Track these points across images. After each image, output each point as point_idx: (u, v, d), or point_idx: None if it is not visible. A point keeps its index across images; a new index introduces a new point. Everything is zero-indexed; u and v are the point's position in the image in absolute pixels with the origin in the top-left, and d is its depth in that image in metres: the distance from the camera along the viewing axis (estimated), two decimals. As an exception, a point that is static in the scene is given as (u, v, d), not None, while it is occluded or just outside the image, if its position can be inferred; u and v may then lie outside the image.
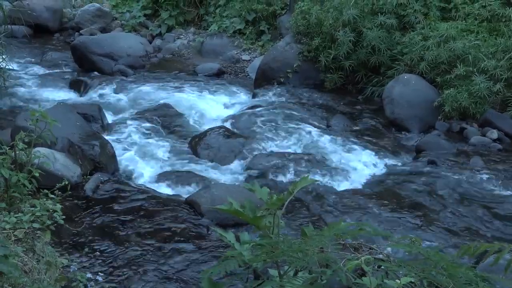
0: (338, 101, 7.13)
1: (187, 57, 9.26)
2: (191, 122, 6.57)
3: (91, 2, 10.89)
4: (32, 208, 3.12)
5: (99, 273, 3.57)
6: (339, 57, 7.20)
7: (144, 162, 5.45)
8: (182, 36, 9.93)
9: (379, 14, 7.11)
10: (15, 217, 3.04)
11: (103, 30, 10.32)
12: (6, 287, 2.52)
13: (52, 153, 4.51)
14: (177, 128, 6.33)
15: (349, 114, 6.75)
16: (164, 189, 4.93)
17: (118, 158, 5.35)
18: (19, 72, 8.01)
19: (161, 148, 5.77)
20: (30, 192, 3.44)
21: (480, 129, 6.19)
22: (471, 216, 4.60)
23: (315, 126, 6.36)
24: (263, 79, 7.64)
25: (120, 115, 6.65)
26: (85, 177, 4.84)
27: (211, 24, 9.77)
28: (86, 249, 3.82)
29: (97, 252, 3.82)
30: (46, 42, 9.95)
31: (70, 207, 4.29)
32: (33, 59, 8.88)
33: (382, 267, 2.14)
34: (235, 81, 8.17)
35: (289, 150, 5.79)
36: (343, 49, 7.11)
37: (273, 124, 6.37)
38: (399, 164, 5.61)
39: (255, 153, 5.62)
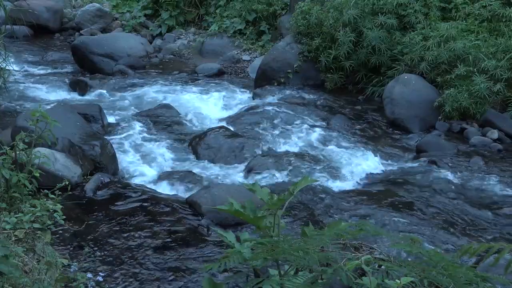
0: (339, 101, 7.13)
1: (187, 57, 9.26)
2: (191, 122, 6.57)
3: (91, 2, 10.90)
4: (33, 208, 3.12)
5: (99, 273, 3.56)
6: (340, 57, 7.20)
7: (145, 162, 5.46)
8: (182, 36, 9.93)
9: (379, 14, 7.11)
10: (16, 217, 3.04)
11: (104, 30, 10.32)
12: (6, 287, 2.52)
13: (53, 153, 4.51)
14: (177, 128, 6.34)
15: (349, 114, 6.75)
16: (164, 189, 4.93)
17: (118, 158, 5.35)
18: (19, 72, 8.02)
19: (162, 148, 5.78)
20: (30, 192, 3.44)
21: (480, 129, 6.19)
22: (472, 216, 4.60)
23: (315, 126, 6.37)
24: (264, 79, 7.64)
25: (121, 115, 6.65)
26: (85, 177, 4.84)
27: (212, 24, 9.78)
28: (86, 249, 3.82)
29: (97, 252, 3.82)
30: (47, 42, 9.96)
31: (71, 207, 4.29)
32: (33, 59, 8.89)
33: (383, 267, 2.14)
34: (235, 81, 8.17)
35: (289, 150, 5.79)
36: (344, 49, 7.11)
37: (274, 124, 6.38)
38: (400, 164, 5.60)
39: (255, 153, 5.62)
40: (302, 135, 6.14)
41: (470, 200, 4.86)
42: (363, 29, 7.05)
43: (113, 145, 5.44)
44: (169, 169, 5.34)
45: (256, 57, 8.81)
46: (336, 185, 5.14)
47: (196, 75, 8.38)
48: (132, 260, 3.77)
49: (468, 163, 5.49)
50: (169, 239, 4.05)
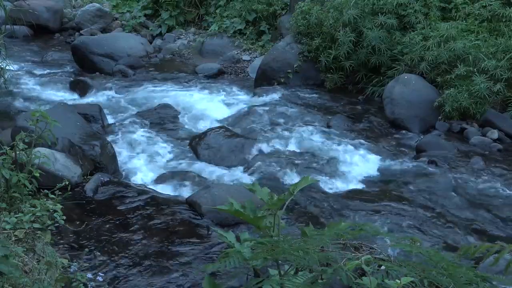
0: (338, 101, 7.13)
1: (187, 57, 9.26)
2: (191, 122, 6.57)
3: (91, 2, 10.90)
4: (33, 208, 3.12)
5: (99, 273, 3.57)
6: (340, 57, 7.20)
7: (145, 162, 5.46)
8: (182, 36, 9.93)
9: (379, 14, 7.11)
10: (16, 217, 3.04)
11: (104, 30, 10.32)
12: (6, 287, 2.52)
13: (53, 153, 4.51)
14: (177, 128, 6.34)
15: (349, 114, 6.75)
16: (164, 189, 4.93)
17: (118, 159, 5.35)
18: (20, 72, 8.02)
19: (162, 148, 5.78)
20: (30, 192, 3.44)
21: (480, 129, 6.19)
22: (471, 216, 4.60)
23: (315, 126, 6.36)
24: (264, 79, 7.64)
25: (121, 115, 6.65)
26: (85, 177, 4.84)
27: (212, 24, 9.77)
28: (86, 249, 3.82)
29: (97, 252, 3.82)
30: (47, 42, 9.96)
31: (71, 207, 4.29)
32: (33, 59, 8.89)
33: (383, 267, 2.14)
34: (235, 81, 8.17)
35: (289, 150, 5.78)
36: (344, 49, 7.11)
37: (273, 124, 6.38)
38: (399, 164, 5.60)
39: (255, 153, 5.62)
40: (302, 135, 6.14)
41: (470, 200, 4.86)
42: (363, 29, 7.05)
43: (113, 145, 5.44)
44: (169, 169, 5.34)
45: (256, 57, 8.81)
46: (336, 185, 5.14)
47: (196, 75, 8.38)
48: (132, 260, 3.77)
49: (468, 163, 5.49)
50: (169, 239, 4.05)
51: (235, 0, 9.73)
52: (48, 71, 8.34)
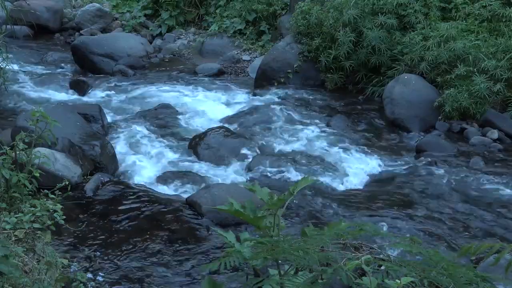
0: (339, 101, 7.13)
1: (187, 57, 9.26)
2: (191, 122, 6.57)
3: (91, 2, 10.90)
4: (33, 208, 3.13)
5: (99, 273, 3.57)
6: (340, 57, 7.19)
7: (145, 162, 5.46)
8: (182, 36, 9.93)
9: (379, 14, 7.11)
10: (16, 217, 3.04)
11: (104, 30, 10.31)
12: (6, 287, 2.52)
13: (53, 153, 4.52)
14: (177, 128, 6.34)
15: (349, 114, 6.75)
16: (164, 189, 4.93)
17: (118, 158, 5.35)
18: (20, 72, 8.01)
19: (161, 148, 5.78)
20: (30, 192, 3.44)
21: (480, 129, 6.18)
22: (472, 216, 4.60)
23: (315, 126, 6.37)
24: (264, 79, 7.64)
25: (121, 116, 6.65)
26: (85, 177, 4.84)
27: (212, 24, 9.77)
28: (86, 249, 3.82)
29: (97, 252, 3.83)
30: (47, 42, 9.95)
31: (71, 207, 4.30)
32: (33, 59, 8.88)
33: (383, 267, 2.14)
34: (235, 81, 8.17)
35: (290, 150, 5.79)
36: (344, 49, 7.10)
37: (273, 124, 6.38)
38: (399, 164, 5.60)
39: (255, 153, 5.62)
40: (302, 135, 6.14)
41: (470, 200, 4.86)
42: (363, 29, 7.05)
43: (113, 145, 5.44)
44: (169, 169, 5.34)
45: (256, 57, 8.81)
46: (336, 185, 5.14)
47: (196, 75, 8.37)
48: (132, 260, 3.77)
49: (468, 163, 5.49)
50: (169, 239, 4.05)
51: (235, 0, 9.72)
52: (48, 71, 8.34)
